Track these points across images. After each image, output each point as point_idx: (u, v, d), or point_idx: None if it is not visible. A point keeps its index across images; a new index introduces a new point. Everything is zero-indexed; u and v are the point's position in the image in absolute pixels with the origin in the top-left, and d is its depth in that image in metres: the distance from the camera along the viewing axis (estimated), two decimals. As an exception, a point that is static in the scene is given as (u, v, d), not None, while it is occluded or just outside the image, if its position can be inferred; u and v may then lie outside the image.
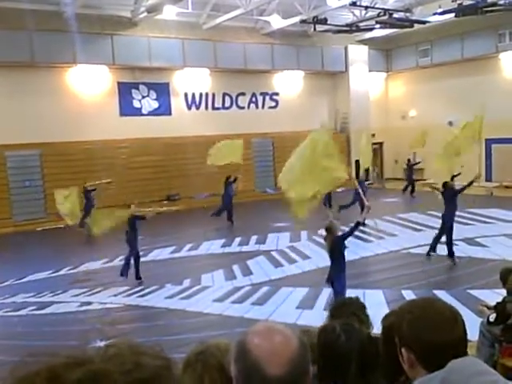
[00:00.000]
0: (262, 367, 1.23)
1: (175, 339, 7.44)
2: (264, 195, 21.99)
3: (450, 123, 24.09)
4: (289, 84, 24.98)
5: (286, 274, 11.14)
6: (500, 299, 5.32)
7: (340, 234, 8.04)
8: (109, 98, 20.59)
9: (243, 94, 23.75)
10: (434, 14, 19.21)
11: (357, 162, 26.02)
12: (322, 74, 25.62)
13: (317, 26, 19.75)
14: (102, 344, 7.25)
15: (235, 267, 11.80)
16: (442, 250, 11.96)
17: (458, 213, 15.67)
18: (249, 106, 24.05)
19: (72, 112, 19.45)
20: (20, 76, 18.37)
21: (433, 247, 11.27)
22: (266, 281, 10.60)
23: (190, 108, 22.58)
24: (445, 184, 11.41)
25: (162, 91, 21.76)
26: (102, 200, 19.01)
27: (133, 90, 21.15)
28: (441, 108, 24.31)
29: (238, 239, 14.83)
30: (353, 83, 25.63)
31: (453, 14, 18.47)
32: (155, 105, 21.71)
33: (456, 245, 12.46)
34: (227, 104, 23.50)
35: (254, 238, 14.92)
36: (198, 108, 22.76)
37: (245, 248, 13.85)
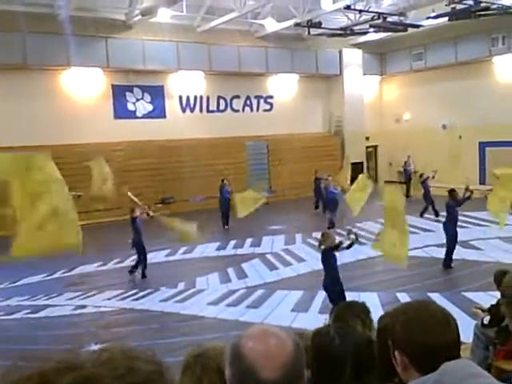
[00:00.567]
0: (256, 371, 1.22)
1: (170, 342, 7.42)
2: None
3: (444, 126, 24.24)
4: (283, 87, 25.02)
5: (281, 276, 11.14)
6: (494, 301, 5.34)
7: (333, 245, 8.00)
8: (103, 100, 20.55)
9: (238, 96, 23.76)
10: (428, 17, 19.29)
11: (351, 164, 26.18)
12: (316, 78, 25.67)
13: (311, 29, 19.76)
14: (96, 347, 7.24)
15: (230, 270, 11.79)
16: (439, 252, 12.03)
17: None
18: (243, 109, 24.07)
19: (66, 115, 19.39)
20: (13, 78, 18.29)
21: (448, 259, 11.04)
22: (260, 284, 10.60)
23: (184, 111, 22.57)
24: (451, 192, 11.28)
25: (157, 94, 21.74)
26: (95, 204, 18.97)
27: (127, 93, 21.11)
28: (435, 111, 24.41)
29: (232, 242, 14.83)
30: (347, 86, 25.70)
31: (446, 18, 18.55)
32: (149, 108, 21.69)
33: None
34: (222, 107, 23.50)
35: (248, 240, 14.92)
36: (192, 111, 22.75)
37: (240, 251, 13.84)
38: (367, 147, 27.04)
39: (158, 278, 11.62)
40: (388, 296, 9.13)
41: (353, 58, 25.67)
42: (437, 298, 8.59)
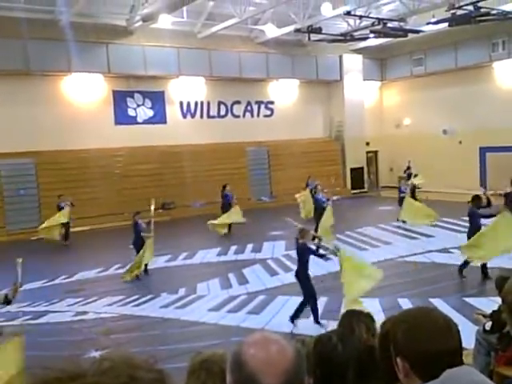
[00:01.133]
0: (257, 378, 1.22)
1: (171, 349, 7.40)
2: (259, 203, 22.00)
3: (445, 132, 24.26)
4: (284, 92, 25.07)
5: (282, 282, 11.10)
6: (496, 307, 5.32)
7: (309, 244, 8.60)
8: (104, 106, 20.60)
9: (238, 102, 23.81)
10: (428, 23, 19.32)
11: (352, 170, 26.19)
12: (316, 83, 25.72)
13: (311, 35, 19.82)
14: (97, 354, 7.21)
15: (231, 276, 11.76)
16: (440, 258, 11.99)
17: (452, 220, 15.79)
18: (244, 115, 24.11)
19: (67, 120, 19.43)
20: (14, 84, 18.35)
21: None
22: (261, 289, 10.57)
23: (185, 116, 22.61)
24: (475, 198, 10.70)
25: (157, 100, 21.79)
26: (96, 209, 19.01)
27: (128, 99, 21.16)
28: (435, 117, 24.45)
29: (233, 248, 14.81)
30: (347, 92, 25.75)
31: (446, 24, 18.58)
32: (150, 113, 21.73)
33: (451, 252, 12.51)
34: (222, 112, 23.55)
35: (249, 246, 14.90)
36: (193, 116, 22.79)
37: (240, 256, 13.82)
38: (367, 152, 27.06)
39: (158, 283, 11.61)
40: (389, 302, 9.10)
41: (353, 63, 25.75)
42: (438, 303, 8.57)
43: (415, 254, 12.62)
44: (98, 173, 19.61)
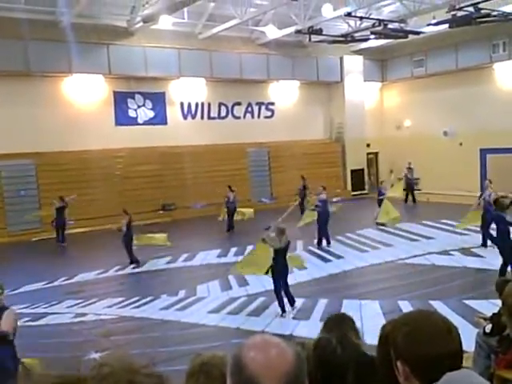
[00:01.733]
0: (257, 381, 1.22)
1: (170, 351, 7.40)
2: (259, 205, 21.99)
3: (445, 133, 24.25)
4: (284, 94, 25.08)
5: (282, 284, 11.08)
6: (496, 310, 5.31)
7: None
8: (104, 107, 20.61)
9: (239, 103, 23.82)
10: (429, 24, 19.31)
11: (352, 171, 26.19)
12: (317, 84, 25.73)
13: (312, 36, 19.80)
14: (97, 356, 7.20)
15: (231, 278, 11.75)
16: (441, 260, 11.98)
17: (452, 222, 15.76)
18: (244, 116, 24.12)
19: (67, 121, 19.44)
20: (15, 85, 18.36)
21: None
22: (261, 291, 10.55)
23: (185, 117, 22.62)
24: (496, 201, 10.06)
25: (158, 101, 21.80)
26: (96, 210, 19.02)
27: (128, 100, 21.17)
28: (435, 118, 24.44)
29: (233, 249, 14.79)
30: (348, 93, 25.75)
31: (447, 25, 18.57)
32: (151, 114, 21.74)
33: (451, 255, 12.51)
34: (223, 113, 23.56)
35: (249, 247, 14.84)
36: (193, 117, 22.80)
37: (241, 258, 13.79)
38: (368, 154, 27.06)
39: (158, 285, 11.60)
40: (389, 304, 9.09)
41: (354, 64, 25.75)
42: (438, 305, 8.57)
43: (415, 256, 12.62)
44: (98, 174, 19.62)
